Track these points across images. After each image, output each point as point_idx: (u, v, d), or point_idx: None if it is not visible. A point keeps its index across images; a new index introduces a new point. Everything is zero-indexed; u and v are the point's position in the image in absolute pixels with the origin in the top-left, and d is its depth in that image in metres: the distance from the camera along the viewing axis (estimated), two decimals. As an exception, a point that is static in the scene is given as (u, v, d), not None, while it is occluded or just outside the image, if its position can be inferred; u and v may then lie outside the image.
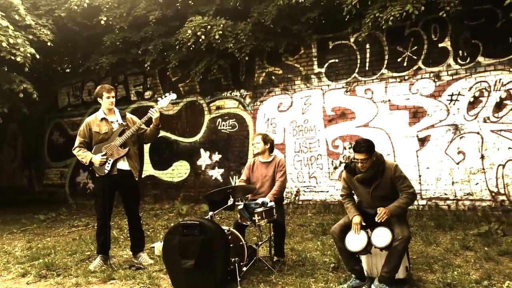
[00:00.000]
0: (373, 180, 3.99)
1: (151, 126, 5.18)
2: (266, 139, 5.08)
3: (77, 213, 9.96)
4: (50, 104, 11.72)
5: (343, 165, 7.80)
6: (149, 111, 5.06)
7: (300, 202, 8.35)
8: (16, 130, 12.75)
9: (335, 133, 8.06)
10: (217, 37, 7.95)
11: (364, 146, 3.91)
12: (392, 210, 3.85)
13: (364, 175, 3.98)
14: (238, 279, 4.10)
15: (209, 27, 8.04)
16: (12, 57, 7.69)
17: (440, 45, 7.13)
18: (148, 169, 10.18)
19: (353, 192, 4.27)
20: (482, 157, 6.81)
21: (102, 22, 9.14)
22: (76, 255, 5.78)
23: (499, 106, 6.71)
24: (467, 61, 6.93)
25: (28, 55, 7.90)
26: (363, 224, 3.98)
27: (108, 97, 5.11)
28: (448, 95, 7.07)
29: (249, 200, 4.88)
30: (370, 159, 3.93)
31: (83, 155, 5.03)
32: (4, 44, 7.41)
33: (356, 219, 3.99)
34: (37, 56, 8.18)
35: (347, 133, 7.94)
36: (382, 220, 3.82)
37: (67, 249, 6.16)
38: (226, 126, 9.31)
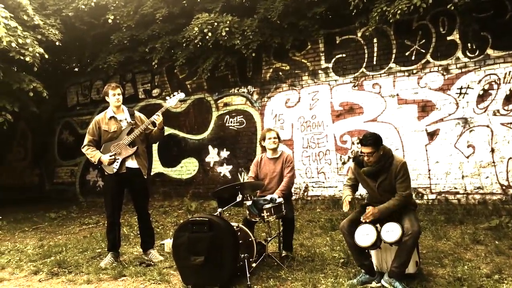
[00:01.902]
0: (380, 174, 3.97)
1: (155, 129, 5.21)
2: (279, 135, 5.14)
3: (87, 211, 10.03)
4: (59, 103, 11.80)
5: (351, 160, 7.81)
6: (153, 117, 5.07)
7: (309, 198, 8.34)
8: (26, 129, 12.88)
9: (343, 128, 8.03)
10: (223, 33, 7.96)
11: (370, 139, 3.87)
12: (381, 211, 3.87)
13: (370, 168, 3.97)
14: (248, 275, 4.11)
15: (215, 24, 8.04)
16: (21, 57, 7.77)
17: (448, 38, 7.06)
18: (157, 167, 10.23)
19: (356, 184, 4.26)
20: (492, 150, 6.75)
21: (110, 20, 9.19)
22: (87, 253, 5.83)
23: (508, 99, 6.63)
24: (476, 54, 6.85)
25: (37, 54, 7.97)
26: (351, 200, 4.02)
27: (114, 94, 5.12)
28: (457, 89, 7.00)
29: (257, 197, 4.90)
30: (377, 153, 3.89)
31: (92, 154, 5.07)
32: (13, 44, 7.49)
33: (348, 198, 4.04)
34: (46, 56, 8.25)
35: (355, 128, 7.90)
36: (367, 221, 3.84)
37: (78, 246, 6.22)
38: (234, 123, 9.32)
